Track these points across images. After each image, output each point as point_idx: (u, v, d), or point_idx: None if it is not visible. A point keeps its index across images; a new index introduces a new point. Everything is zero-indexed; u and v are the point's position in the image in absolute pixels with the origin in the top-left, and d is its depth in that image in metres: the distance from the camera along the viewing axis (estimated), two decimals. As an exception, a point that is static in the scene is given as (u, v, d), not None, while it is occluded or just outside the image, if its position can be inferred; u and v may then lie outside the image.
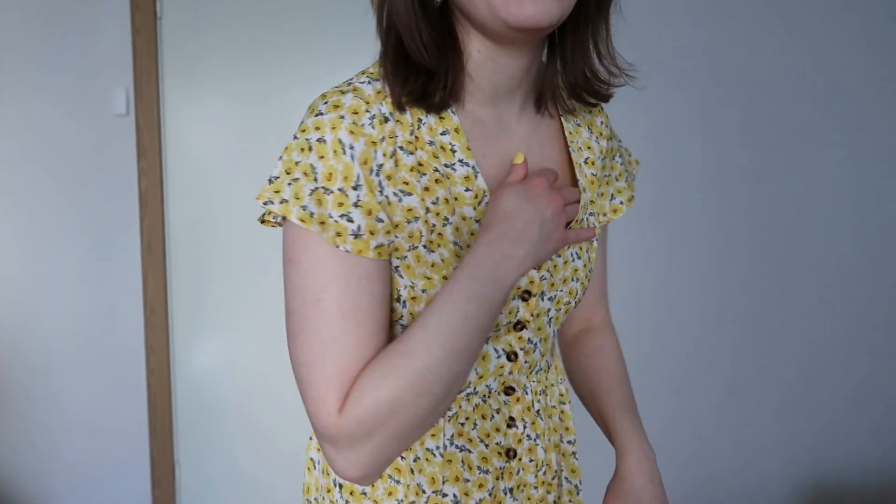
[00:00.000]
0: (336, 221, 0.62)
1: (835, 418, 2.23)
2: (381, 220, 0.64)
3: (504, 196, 0.64)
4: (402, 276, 0.67)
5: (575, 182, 0.80)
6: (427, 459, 0.74)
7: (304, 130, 0.64)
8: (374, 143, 0.64)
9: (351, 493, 0.76)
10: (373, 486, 0.74)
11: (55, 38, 2.08)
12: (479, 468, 0.76)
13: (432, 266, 0.67)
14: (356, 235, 0.62)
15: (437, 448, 0.74)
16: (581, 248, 0.80)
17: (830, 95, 2.15)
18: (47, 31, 2.08)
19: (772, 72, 2.14)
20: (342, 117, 0.63)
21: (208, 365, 2.23)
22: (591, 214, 0.82)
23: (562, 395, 0.87)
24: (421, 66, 0.66)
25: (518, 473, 0.80)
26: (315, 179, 0.62)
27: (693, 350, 2.20)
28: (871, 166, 2.18)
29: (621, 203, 0.88)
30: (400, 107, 0.66)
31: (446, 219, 0.68)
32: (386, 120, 0.65)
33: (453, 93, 0.68)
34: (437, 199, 0.67)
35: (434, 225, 0.67)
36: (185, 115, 2.16)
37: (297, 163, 0.63)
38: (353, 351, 0.62)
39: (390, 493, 0.74)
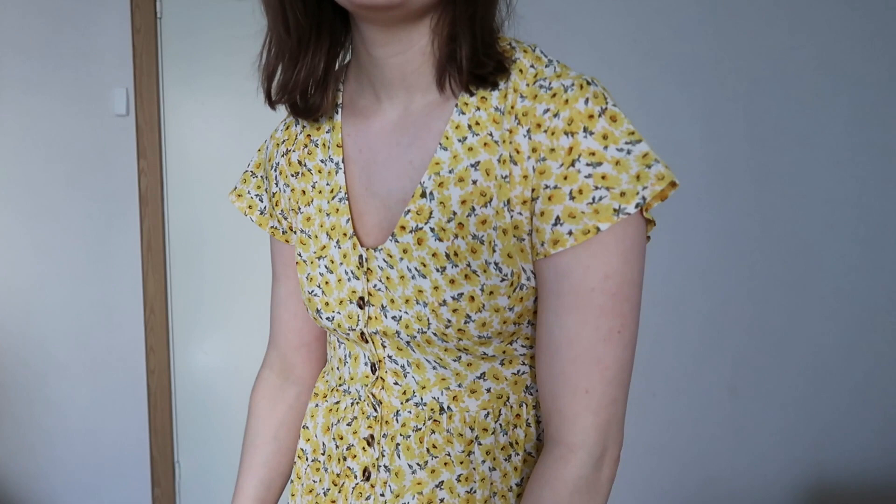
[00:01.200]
0: (252, 197, 0.81)
1: (835, 418, 2.23)
2: (274, 206, 0.78)
3: None
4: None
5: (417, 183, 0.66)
6: (308, 439, 0.81)
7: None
8: (277, 144, 0.78)
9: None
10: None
11: (55, 38, 2.08)
12: (323, 466, 0.79)
13: (289, 253, 0.80)
14: (261, 212, 0.80)
15: (315, 427, 0.80)
16: (426, 264, 0.64)
17: (834, 95, 2.15)
18: (47, 32, 2.08)
19: (776, 72, 2.14)
20: (275, 129, 0.81)
21: (208, 365, 2.23)
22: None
23: (475, 461, 0.69)
24: (289, 56, 0.66)
25: (368, 499, 0.73)
26: (248, 166, 0.83)
27: (693, 350, 2.20)
28: (874, 167, 2.17)
29: (569, 234, 0.58)
30: (272, 105, 0.70)
31: (300, 209, 0.75)
32: (294, 124, 0.77)
33: (335, 78, 0.69)
34: (294, 189, 0.75)
35: (286, 216, 0.77)
36: (185, 115, 2.16)
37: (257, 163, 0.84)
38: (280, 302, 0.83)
39: (298, 457, 0.83)
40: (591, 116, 0.60)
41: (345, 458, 0.75)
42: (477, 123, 0.63)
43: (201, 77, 2.14)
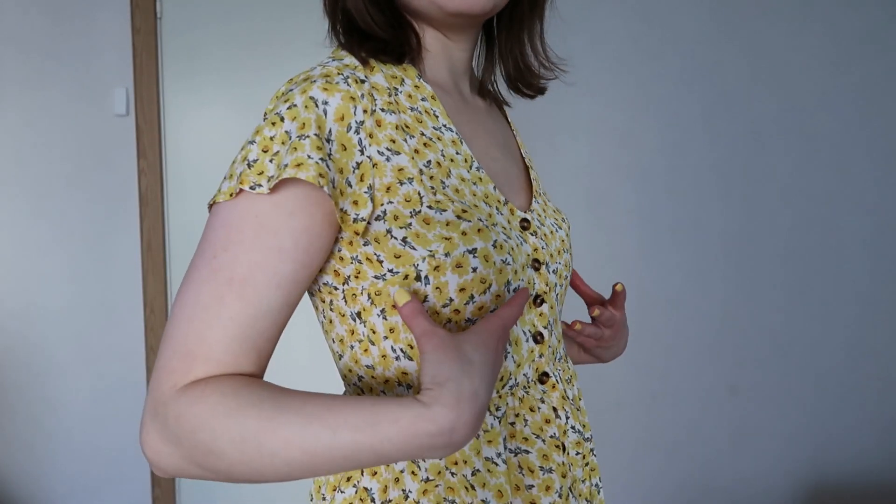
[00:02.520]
0: (316, 163, 0.56)
1: (835, 418, 2.23)
2: (349, 185, 0.59)
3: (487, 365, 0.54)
4: (414, 248, 0.60)
5: (520, 156, 0.81)
6: (489, 470, 0.64)
7: (272, 109, 0.61)
8: (352, 98, 0.60)
9: None
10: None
11: (55, 38, 2.08)
12: (541, 468, 0.67)
13: (447, 225, 0.61)
14: (333, 185, 0.57)
15: (499, 455, 0.65)
16: (556, 219, 0.77)
17: (834, 95, 2.15)
18: (47, 31, 2.08)
19: (776, 72, 2.14)
20: (313, 81, 0.60)
21: (208, 365, 2.23)
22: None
23: (577, 392, 0.81)
24: (377, 37, 0.67)
25: (570, 469, 0.71)
26: (290, 139, 0.58)
27: (693, 350, 2.20)
28: (874, 167, 2.18)
29: None
30: (364, 62, 0.65)
31: (442, 181, 0.63)
32: (362, 81, 0.62)
33: (413, 56, 0.68)
34: (430, 161, 0.63)
35: (433, 188, 0.62)
36: (185, 115, 2.16)
37: (271, 138, 0.58)
38: (225, 325, 0.55)
39: None
40: None
41: (558, 446, 0.69)
42: (510, 122, 0.83)
43: (201, 77, 2.14)
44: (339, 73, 0.61)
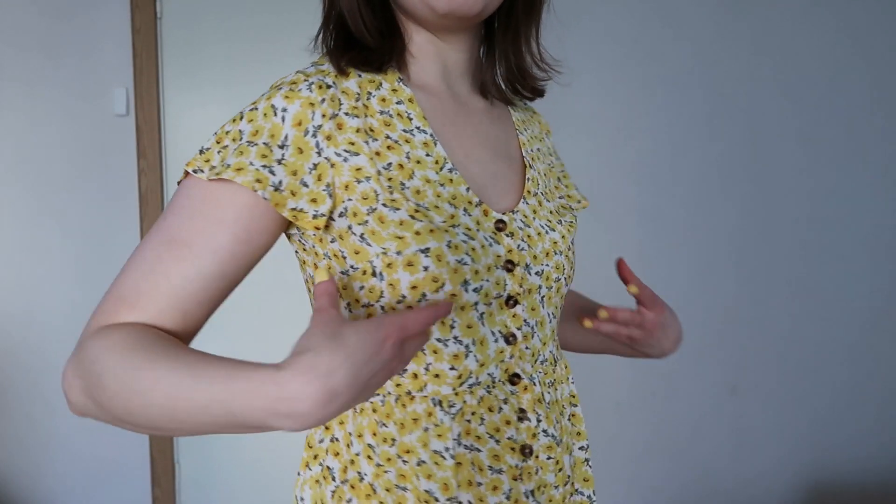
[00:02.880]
0: (257, 169, 0.61)
1: (835, 418, 2.23)
2: (305, 185, 0.63)
3: (350, 347, 0.51)
4: (370, 244, 0.64)
5: (520, 157, 0.80)
6: (436, 463, 0.68)
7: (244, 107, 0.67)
8: (311, 104, 0.64)
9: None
10: (381, 501, 0.69)
11: (55, 38, 2.08)
12: (490, 468, 0.69)
13: (400, 224, 0.64)
14: (276, 189, 0.62)
15: (447, 450, 0.67)
16: (550, 220, 0.77)
17: (834, 95, 2.15)
18: (47, 31, 2.08)
19: (776, 72, 2.14)
20: (279, 89, 0.65)
21: (208, 365, 2.23)
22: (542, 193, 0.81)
23: (572, 396, 0.81)
24: (364, 44, 0.70)
25: (537, 473, 0.72)
26: (241, 139, 0.63)
27: (693, 350, 2.20)
28: (874, 167, 2.17)
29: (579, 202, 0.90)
30: (342, 71, 0.68)
31: (402, 183, 0.66)
32: (328, 87, 0.66)
33: (398, 64, 0.72)
34: (390, 164, 0.66)
35: (391, 187, 0.65)
36: (185, 115, 2.16)
37: (227, 132, 0.65)
38: (157, 278, 0.60)
39: (426, 502, 0.68)
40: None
41: (514, 448, 0.70)
42: (523, 121, 0.83)
43: (201, 77, 2.14)
44: (305, 80, 0.66)
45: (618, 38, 2.13)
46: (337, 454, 0.71)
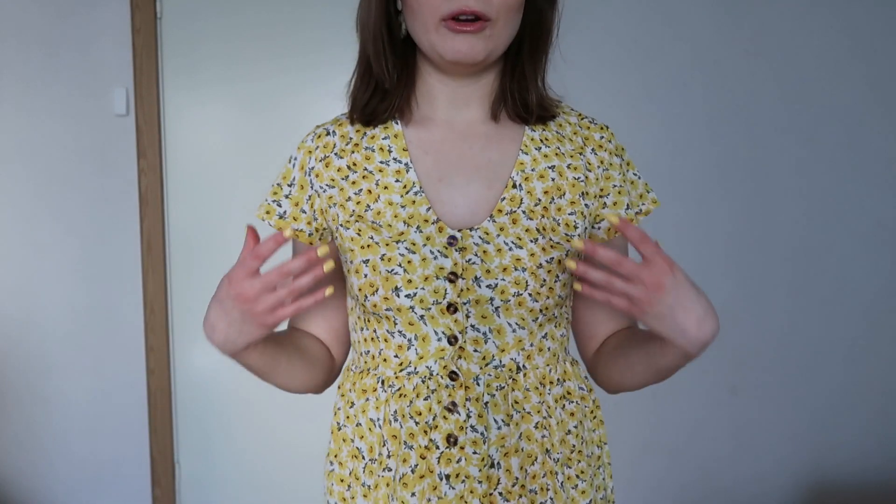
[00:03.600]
0: (269, 204, 0.90)
1: (835, 418, 2.23)
2: (304, 211, 0.88)
3: (218, 289, 0.80)
4: (341, 254, 0.87)
5: (508, 178, 0.86)
6: (369, 429, 0.85)
7: None
8: (309, 151, 0.89)
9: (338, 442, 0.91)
10: (339, 448, 0.89)
11: (55, 38, 2.08)
12: (405, 443, 0.82)
13: (351, 240, 0.84)
14: (280, 217, 0.88)
15: (378, 420, 0.85)
16: (522, 238, 0.82)
17: (834, 94, 2.15)
18: (47, 31, 2.08)
19: (776, 72, 2.14)
20: (304, 141, 0.91)
21: (208, 365, 2.23)
22: (535, 211, 0.84)
23: (548, 407, 0.85)
24: (380, 86, 0.86)
25: (459, 462, 0.81)
26: (274, 182, 0.92)
27: (693, 350, 2.19)
28: (873, 167, 2.17)
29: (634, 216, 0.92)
30: (351, 122, 0.89)
31: (368, 206, 0.84)
32: (328, 133, 0.89)
33: (399, 111, 0.87)
34: (361, 190, 0.85)
35: (353, 210, 0.84)
36: (185, 115, 2.16)
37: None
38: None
39: (353, 457, 0.87)
40: (622, 149, 0.93)
41: (427, 431, 0.82)
42: (545, 139, 0.89)
43: (201, 77, 2.14)
44: (312, 132, 0.91)
45: (618, 38, 2.13)
46: (336, 408, 0.92)
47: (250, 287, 0.73)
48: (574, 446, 0.88)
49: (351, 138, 0.88)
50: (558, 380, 0.87)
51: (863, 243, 2.19)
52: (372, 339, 0.85)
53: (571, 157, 0.88)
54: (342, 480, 0.89)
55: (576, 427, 0.88)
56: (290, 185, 0.89)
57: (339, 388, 0.92)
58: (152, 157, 2.13)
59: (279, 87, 2.13)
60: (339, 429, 0.90)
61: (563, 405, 0.87)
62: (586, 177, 0.88)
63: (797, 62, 2.14)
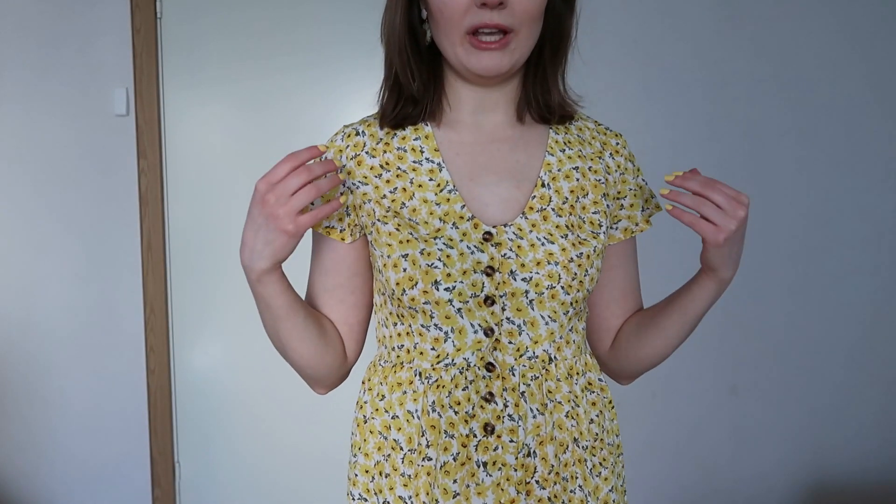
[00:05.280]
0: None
1: (835, 418, 2.23)
2: (347, 213, 0.89)
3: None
4: (375, 248, 0.87)
5: (536, 178, 0.90)
6: (407, 420, 0.87)
7: None
8: (340, 150, 0.90)
9: (356, 447, 0.93)
10: (365, 440, 0.91)
11: (55, 39, 2.08)
12: (445, 432, 0.84)
13: (389, 235, 0.85)
14: (327, 228, 0.90)
15: (416, 411, 0.86)
16: (553, 234, 0.86)
17: (834, 95, 2.15)
18: (47, 32, 2.08)
19: (776, 72, 2.14)
20: (332, 140, 0.92)
21: (208, 365, 2.23)
22: (548, 207, 0.90)
23: (575, 396, 0.89)
24: (409, 95, 0.88)
25: (496, 450, 0.84)
26: None
27: (693, 350, 2.19)
28: (873, 167, 2.18)
29: (647, 218, 0.99)
30: (381, 126, 0.90)
31: (403, 203, 0.86)
32: (357, 133, 0.91)
33: (430, 115, 0.90)
34: (396, 188, 0.87)
35: (389, 206, 0.86)
36: (185, 115, 2.16)
37: None
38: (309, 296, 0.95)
39: (378, 448, 0.89)
40: (633, 156, 0.98)
41: (467, 421, 0.84)
42: (568, 142, 0.93)
43: (201, 77, 2.14)
44: (341, 132, 0.91)
45: (618, 38, 2.13)
46: (362, 402, 0.94)
47: (274, 178, 0.76)
48: (597, 434, 0.91)
49: (381, 139, 0.90)
50: (582, 371, 0.91)
51: (863, 243, 2.19)
52: (407, 333, 0.87)
53: (592, 160, 0.93)
54: (367, 471, 0.90)
55: (598, 416, 0.91)
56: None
57: (363, 383, 0.94)
58: (152, 157, 2.13)
59: (279, 86, 2.13)
60: (366, 421, 0.91)
61: (587, 395, 0.91)
62: (606, 179, 0.93)
63: (797, 62, 2.14)
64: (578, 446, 0.88)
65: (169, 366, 2.20)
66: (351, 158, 0.89)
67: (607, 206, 0.92)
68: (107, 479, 2.20)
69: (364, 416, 0.92)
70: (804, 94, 2.15)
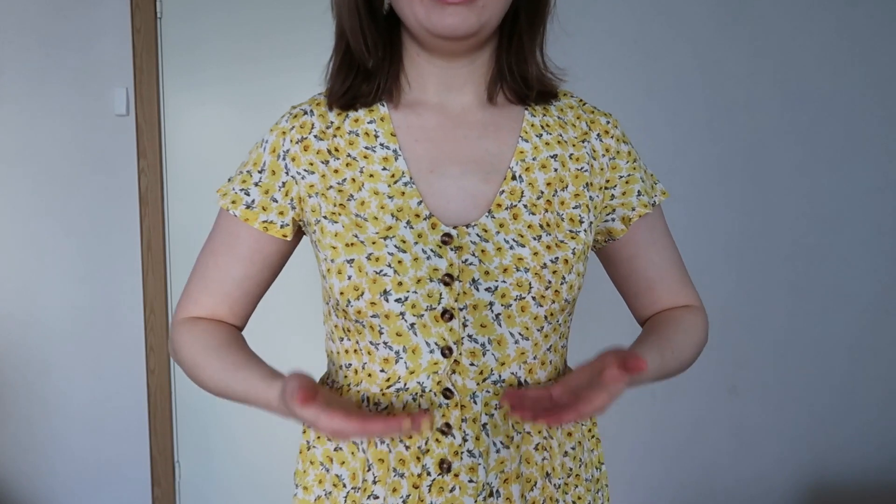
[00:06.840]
0: (235, 193, 0.79)
1: (835, 418, 2.23)
2: (275, 200, 0.77)
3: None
4: (318, 250, 0.76)
5: (506, 169, 0.78)
6: (352, 453, 0.76)
7: None
8: (283, 132, 0.78)
9: (298, 474, 0.84)
10: (305, 471, 0.81)
11: (55, 39, 2.08)
12: (394, 470, 0.73)
13: (335, 236, 0.73)
14: (248, 206, 0.77)
15: (362, 443, 0.75)
16: (524, 235, 0.73)
17: (834, 95, 2.15)
18: (47, 32, 2.08)
19: (776, 72, 2.14)
20: (273, 124, 0.81)
21: (208, 365, 2.23)
22: (543, 203, 0.77)
23: (548, 428, 0.77)
24: (362, 67, 0.77)
25: (452, 491, 0.72)
26: (242, 170, 0.81)
27: (693, 350, 2.20)
28: (873, 167, 2.17)
29: (644, 206, 0.84)
30: (329, 107, 0.79)
31: (351, 195, 0.74)
32: (305, 114, 0.79)
33: (386, 93, 0.78)
34: (345, 179, 0.75)
35: (336, 199, 0.74)
36: (185, 115, 2.16)
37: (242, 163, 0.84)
38: (206, 281, 0.81)
39: (320, 482, 0.79)
40: (627, 136, 0.84)
41: (419, 457, 0.72)
42: (547, 125, 0.80)
43: (201, 77, 2.14)
44: (288, 113, 0.80)
45: (618, 38, 2.13)
46: (305, 426, 0.82)
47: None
48: (571, 470, 0.79)
49: (332, 121, 0.78)
50: None
51: (863, 243, 2.19)
52: (354, 351, 0.75)
53: (574, 145, 0.80)
54: None
55: (573, 449, 0.80)
56: (260, 172, 0.78)
57: None
58: (152, 157, 2.13)
59: (279, 86, 2.13)
60: (309, 448, 0.80)
61: (562, 425, 0.77)
62: (591, 165, 0.80)
63: (797, 62, 2.14)
64: (550, 483, 0.77)
65: (169, 366, 2.20)
66: (296, 142, 0.77)
67: (591, 197, 0.78)
68: (107, 478, 2.20)
69: (307, 442, 0.80)
70: (804, 94, 2.15)
